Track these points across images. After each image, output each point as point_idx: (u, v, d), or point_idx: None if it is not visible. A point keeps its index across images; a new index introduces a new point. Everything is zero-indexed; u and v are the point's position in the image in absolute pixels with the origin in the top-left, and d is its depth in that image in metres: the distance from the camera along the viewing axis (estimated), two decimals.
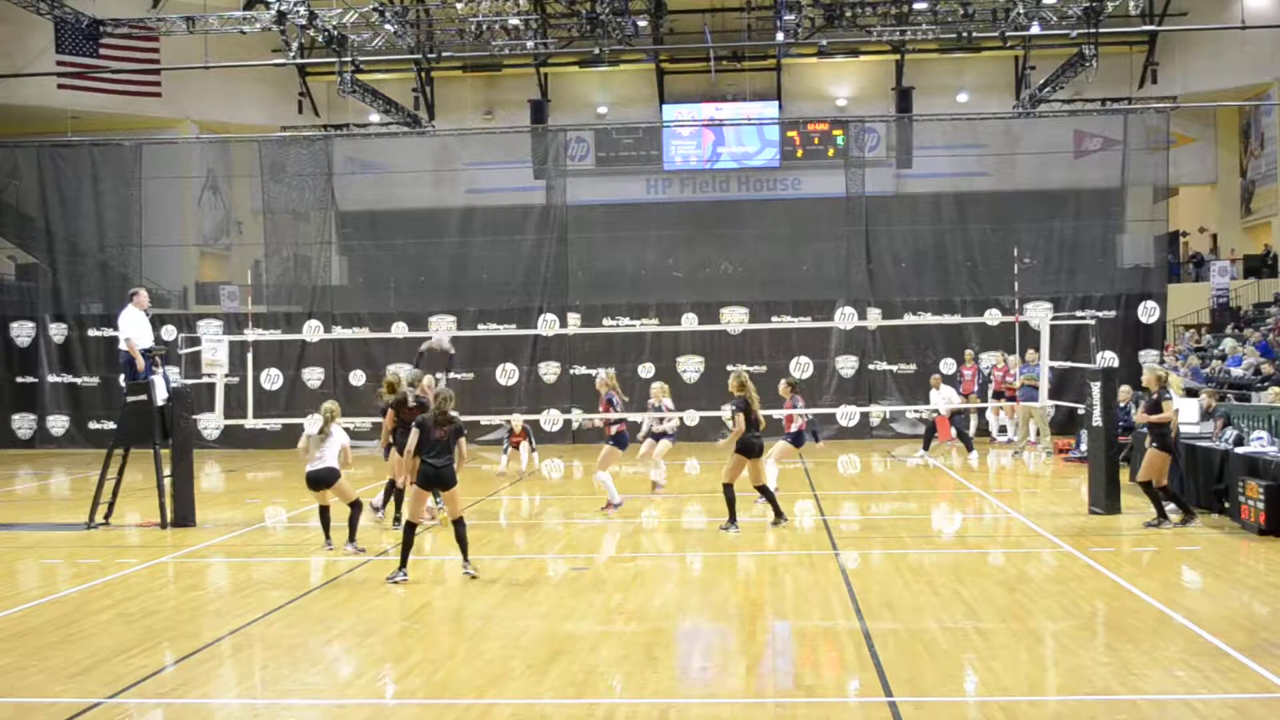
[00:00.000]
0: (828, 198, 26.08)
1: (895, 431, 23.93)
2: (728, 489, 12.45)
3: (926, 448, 19.77)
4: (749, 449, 12.31)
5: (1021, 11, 22.99)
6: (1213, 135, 29.58)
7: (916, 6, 24.13)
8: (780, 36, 25.19)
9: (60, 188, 25.38)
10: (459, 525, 10.13)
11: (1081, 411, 15.27)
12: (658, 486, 15.23)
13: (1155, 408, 12.35)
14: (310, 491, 11.73)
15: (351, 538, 11.54)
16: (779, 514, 12.64)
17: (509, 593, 9.69)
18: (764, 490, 12.79)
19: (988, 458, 19.98)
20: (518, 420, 18.37)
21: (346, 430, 11.96)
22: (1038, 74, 28.10)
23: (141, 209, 25.25)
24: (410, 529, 10.12)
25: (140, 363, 13.97)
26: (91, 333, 25.01)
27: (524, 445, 18.04)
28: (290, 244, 26.14)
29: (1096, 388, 13.38)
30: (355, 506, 11.61)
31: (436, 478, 9.97)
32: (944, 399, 19.26)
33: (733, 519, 12.39)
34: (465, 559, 10.17)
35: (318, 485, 11.55)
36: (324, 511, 11.83)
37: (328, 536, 11.74)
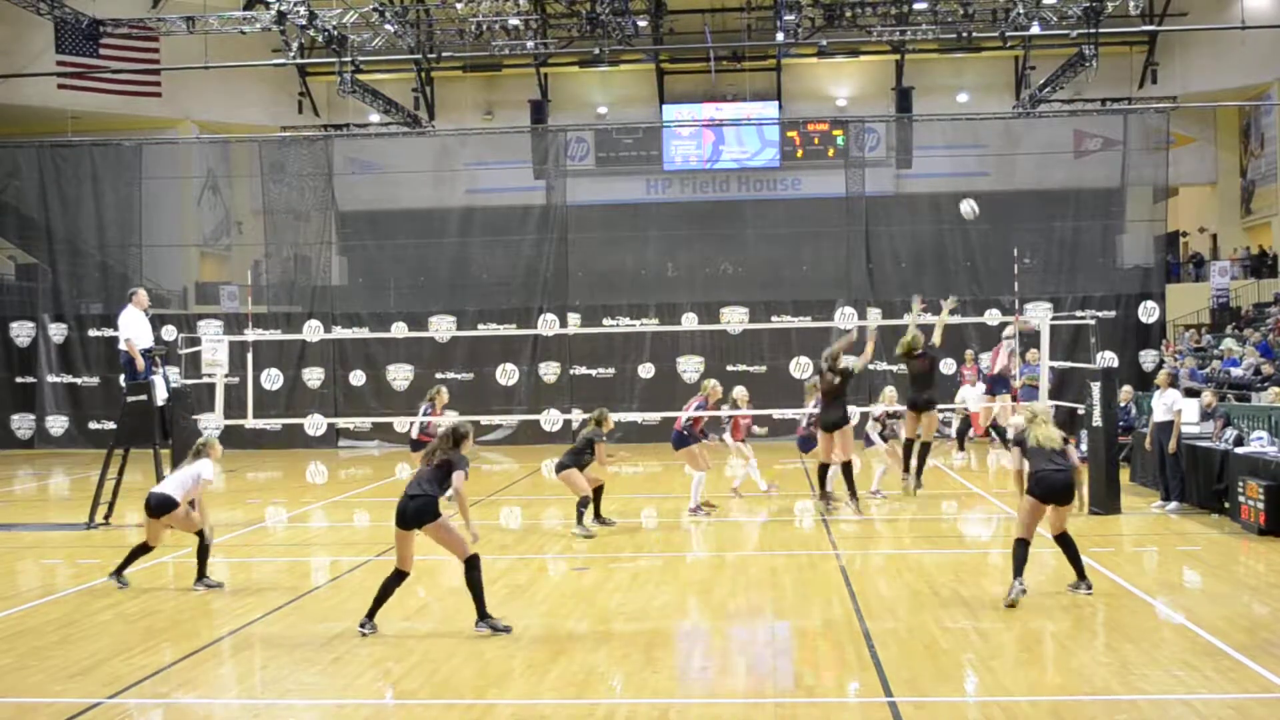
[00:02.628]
0: (828, 198, 26.09)
1: (895, 431, 23.87)
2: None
3: (962, 447, 20.00)
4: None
5: (1021, 11, 23.00)
6: (1213, 135, 29.57)
7: (916, 6, 24.15)
8: (780, 36, 25.19)
9: (60, 188, 25.37)
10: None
11: (1081, 411, 15.25)
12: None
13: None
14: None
15: (119, 572, 10.06)
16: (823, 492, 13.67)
17: (509, 593, 9.69)
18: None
19: (988, 458, 19.99)
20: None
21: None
22: (1038, 74, 28.10)
23: (141, 209, 25.26)
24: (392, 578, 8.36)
25: (140, 363, 13.98)
26: (91, 333, 25.00)
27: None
28: (290, 244, 26.16)
29: (1096, 388, 13.39)
30: (141, 548, 10.06)
31: (400, 511, 8.16)
32: (975, 394, 19.49)
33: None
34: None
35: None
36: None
37: (121, 569, 10.17)
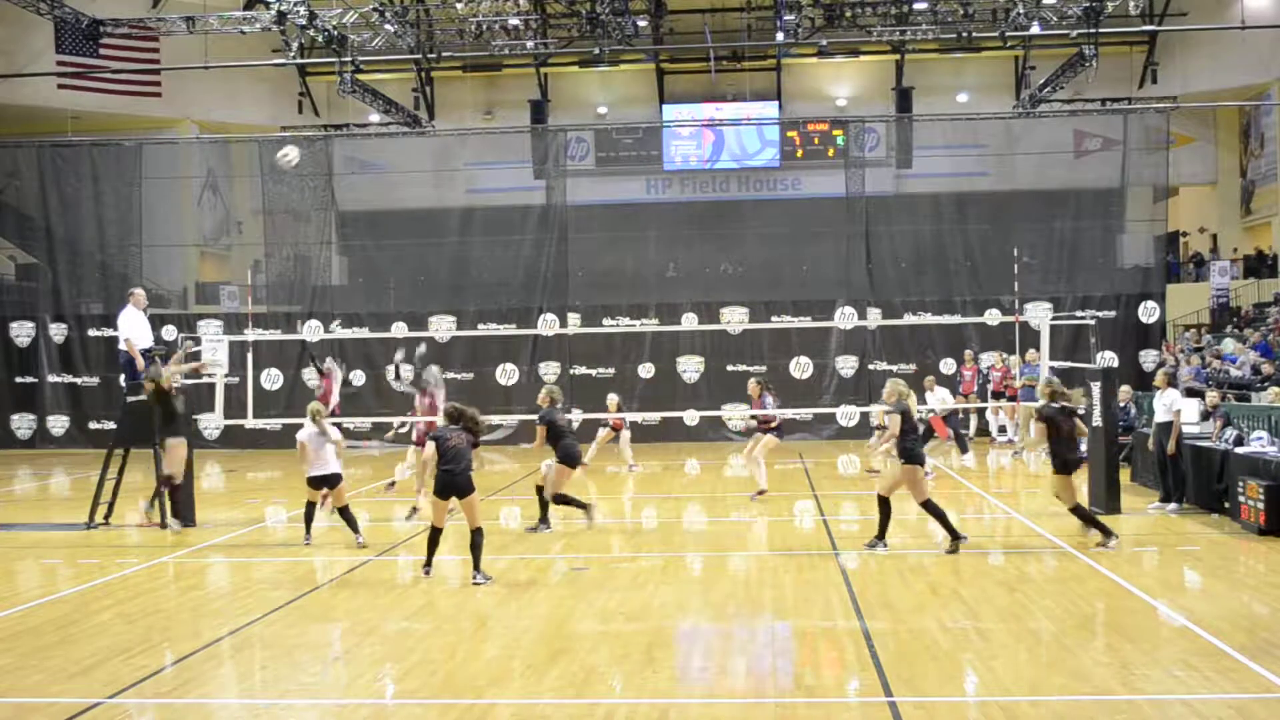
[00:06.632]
0: (828, 198, 26.09)
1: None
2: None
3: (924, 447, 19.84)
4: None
5: (1021, 11, 23.00)
6: (1213, 135, 29.57)
7: (916, 6, 24.14)
8: (780, 36, 25.18)
9: (60, 188, 25.35)
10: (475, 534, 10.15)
11: (1081, 412, 15.25)
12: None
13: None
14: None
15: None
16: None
17: (509, 593, 9.69)
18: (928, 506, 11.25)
19: (987, 458, 20.00)
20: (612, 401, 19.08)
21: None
22: (1038, 74, 28.10)
23: (141, 209, 25.22)
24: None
25: (140, 363, 13.98)
26: (91, 333, 24.97)
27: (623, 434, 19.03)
28: (290, 244, 26.13)
29: (1096, 388, 13.38)
30: (344, 512, 12.17)
31: (449, 484, 10.20)
32: (938, 399, 19.34)
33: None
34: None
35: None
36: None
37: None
